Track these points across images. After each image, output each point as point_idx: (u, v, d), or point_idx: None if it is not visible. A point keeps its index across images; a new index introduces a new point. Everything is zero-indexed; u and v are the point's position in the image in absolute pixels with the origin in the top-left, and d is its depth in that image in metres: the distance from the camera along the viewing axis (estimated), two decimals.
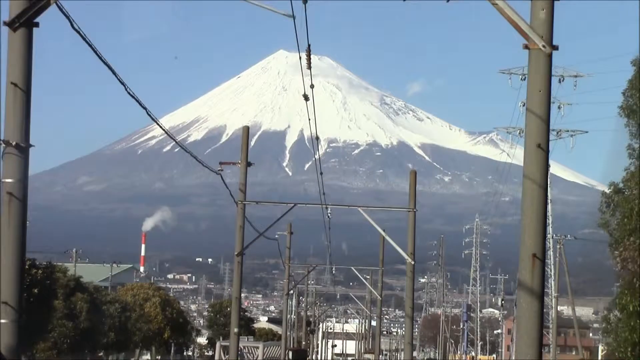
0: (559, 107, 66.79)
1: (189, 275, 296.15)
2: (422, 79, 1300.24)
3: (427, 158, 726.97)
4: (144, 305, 62.25)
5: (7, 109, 11.39)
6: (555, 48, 11.23)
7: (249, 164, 25.68)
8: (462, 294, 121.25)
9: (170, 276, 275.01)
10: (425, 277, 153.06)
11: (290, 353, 59.39)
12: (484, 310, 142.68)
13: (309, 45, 17.61)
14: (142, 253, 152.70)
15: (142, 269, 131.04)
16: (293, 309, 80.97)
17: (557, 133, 66.32)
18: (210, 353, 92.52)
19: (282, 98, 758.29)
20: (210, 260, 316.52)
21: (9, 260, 11.12)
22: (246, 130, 27.17)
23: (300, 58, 18.39)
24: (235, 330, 31.91)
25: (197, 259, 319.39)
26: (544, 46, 10.97)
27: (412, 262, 28.68)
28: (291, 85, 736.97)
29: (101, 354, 59.54)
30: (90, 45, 12.24)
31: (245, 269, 34.12)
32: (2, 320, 11.05)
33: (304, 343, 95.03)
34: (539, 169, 10.73)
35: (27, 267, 38.77)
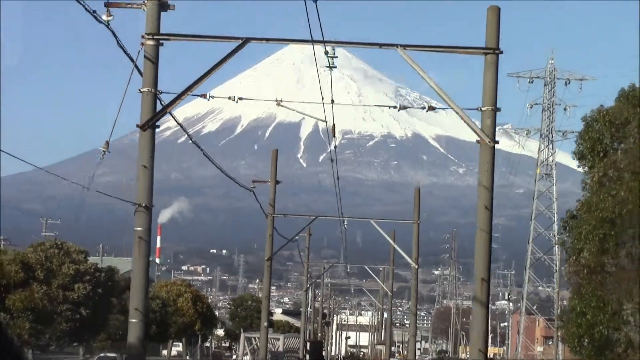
0: (565, 109, 68.44)
1: (203, 266, 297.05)
2: (436, 70, 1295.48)
3: (441, 150, 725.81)
4: (177, 301, 67.29)
5: (139, 183, 17.65)
6: (497, 142, 17.85)
7: (277, 182, 32.22)
8: None
9: (184, 267, 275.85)
10: (439, 269, 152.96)
11: (308, 344, 63.17)
12: (497, 303, 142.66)
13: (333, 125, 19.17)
14: (158, 245, 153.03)
15: (157, 260, 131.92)
16: (310, 302, 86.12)
17: (563, 134, 67.74)
18: (226, 344, 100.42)
19: (297, 90, 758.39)
20: (224, 251, 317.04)
21: (138, 280, 16.69)
22: (275, 154, 32.97)
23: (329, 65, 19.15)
24: (265, 324, 38.18)
25: (211, 251, 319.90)
26: (489, 141, 18.04)
27: (416, 267, 34.86)
28: (306, 77, 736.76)
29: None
30: (117, 41, 13.82)
31: (259, 260, 36.39)
32: (133, 320, 16.44)
33: (319, 335, 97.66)
34: (487, 224, 17.22)
35: (92, 270, 45.51)
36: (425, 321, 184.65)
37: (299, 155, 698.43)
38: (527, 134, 70.76)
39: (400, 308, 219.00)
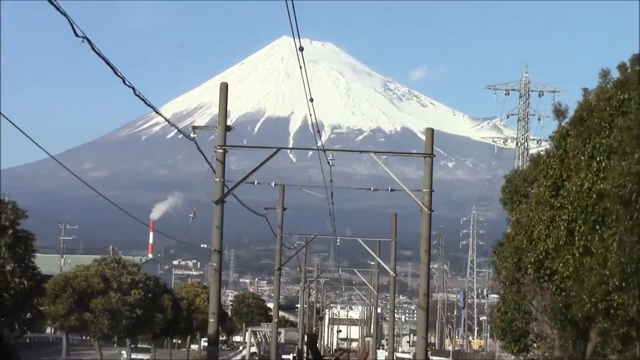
0: (539, 119, 73.03)
1: (194, 261, 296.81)
2: (425, 65, 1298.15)
3: None
4: (195, 300, 76.72)
5: (214, 237, 25.15)
6: (433, 211, 25.87)
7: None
8: (466, 278, 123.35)
9: (175, 262, 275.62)
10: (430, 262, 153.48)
11: (306, 337, 71.45)
12: (491, 296, 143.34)
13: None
14: (150, 241, 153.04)
15: (150, 256, 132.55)
16: (305, 299, 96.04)
17: (538, 142, 70.98)
18: (223, 337, 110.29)
19: (285, 84, 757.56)
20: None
21: (214, 297, 24.71)
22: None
23: (298, 49, 19.35)
24: (275, 320, 46.32)
25: (202, 246, 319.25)
26: (427, 209, 25.75)
27: (394, 276, 39.83)
28: (294, 72, 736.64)
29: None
30: (92, 46, 14.32)
31: (249, 255, 36.72)
32: (212, 320, 24.09)
33: (314, 328, 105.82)
34: (425, 268, 25.36)
35: (143, 279, 56.87)
36: (415, 315, 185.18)
37: (288, 150, 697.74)
38: (504, 142, 76.04)
39: (389, 303, 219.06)
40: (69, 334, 60.22)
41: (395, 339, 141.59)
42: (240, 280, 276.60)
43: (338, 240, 49.53)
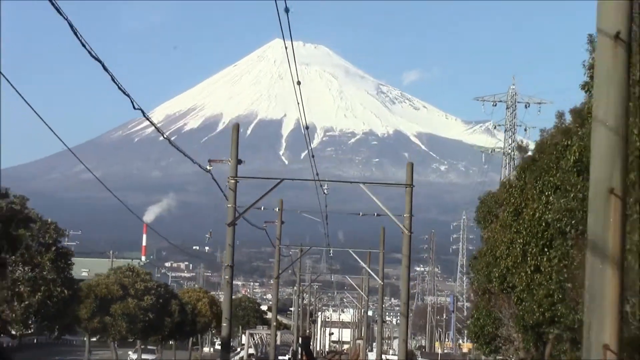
0: (525, 130, 75.04)
1: (186, 263, 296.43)
2: (418, 68, 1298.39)
3: (423, 147, 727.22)
4: (197, 304, 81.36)
5: (226, 254, 28.49)
6: (412, 232, 30.28)
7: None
8: (456, 282, 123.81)
9: (167, 264, 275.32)
10: (421, 266, 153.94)
11: (300, 339, 76.23)
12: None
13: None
14: (144, 243, 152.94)
15: (143, 258, 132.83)
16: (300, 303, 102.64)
17: (522, 150, 72.66)
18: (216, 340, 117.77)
19: (278, 87, 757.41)
20: (207, 248, 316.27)
21: (226, 304, 28.64)
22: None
23: (287, 49, 19.17)
24: (274, 323, 51.09)
25: (194, 247, 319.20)
26: (408, 232, 28.74)
27: (382, 283, 43.84)
28: (287, 74, 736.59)
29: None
30: (84, 45, 14.41)
31: (241, 257, 37.29)
32: (224, 325, 27.41)
33: (307, 331, 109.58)
34: (405, 284, 30.93)
35: (155, 286, 63.27)
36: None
37: (280, 153, 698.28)
38: (491, 152, 78.12)
39: (383, 305, 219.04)
40: (90, 336, 64.52)
41: (386, 341, 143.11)
42: (234, 282, 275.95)
43: (331, 252, 53.46)
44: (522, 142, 34.46)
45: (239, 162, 28.96)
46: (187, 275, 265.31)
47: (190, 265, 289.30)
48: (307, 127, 26.78)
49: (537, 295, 27.18)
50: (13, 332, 43.21)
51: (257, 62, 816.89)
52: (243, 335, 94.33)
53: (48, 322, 43.73)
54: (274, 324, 50.97)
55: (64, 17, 13.49)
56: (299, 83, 22.75)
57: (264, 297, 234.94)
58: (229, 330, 27.34)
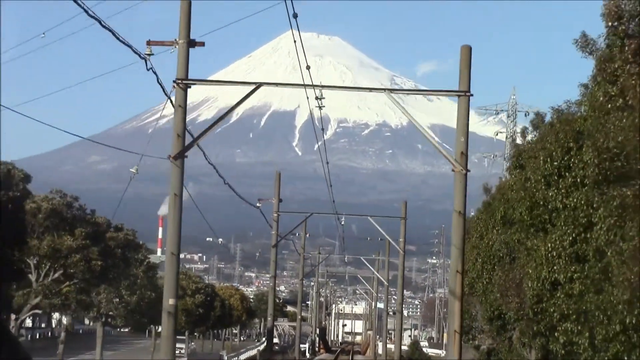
0: (525, 137, 77.84)
1: (200, 255, 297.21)
2: (432, 60, 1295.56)
3: (436, 139, 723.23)
4: (230, 300, 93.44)
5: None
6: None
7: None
8: None
9: (181, 256, 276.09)
10: (434, 258, 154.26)
11: (318, 329, 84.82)
12: None
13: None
14: (159, 236, 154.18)
15: (159, 251, 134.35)
16: (314, 296, 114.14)
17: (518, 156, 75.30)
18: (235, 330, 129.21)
19: (292, 78, 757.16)
20: (220, 240, 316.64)
21: (271, 299, 56.05)
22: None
23: (295, 42, 19.30)
24: (299, 317, 63.18)
25: (207, 239, 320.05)
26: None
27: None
28: (303, 64, 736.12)
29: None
30: (112, 32, 14.64)
31: (254, 249, 37.78)
32: (269, 318, 39.22)
33: (323, 323, 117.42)
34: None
35: (204, 287, 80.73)
36: (419, 309, 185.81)
37: (294, 144, 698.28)
38: (493, 157, 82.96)
39: (394, 297, 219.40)
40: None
41: (395, 332, 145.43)
42: (246, 274, 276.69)
43: (342, 220, 51.83)
44: (486, 184, 42.30)
45: (280, 200, 33.98)
46: (200, 266, 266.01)
47: (204, 256, 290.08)
48: (319, 98, 24.67)
49: (489, 298, 36.24)
50: (116, 323, 58.01)
51: (272, 53, 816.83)
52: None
53: (140, 317, 55.97)
54: (299, 317, 62.73)
55: (95, 17, 13.55)
56: (308, 68, 22.60)
57: (277, 289, 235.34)
58: (272, 323, 34.58)
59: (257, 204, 31.17)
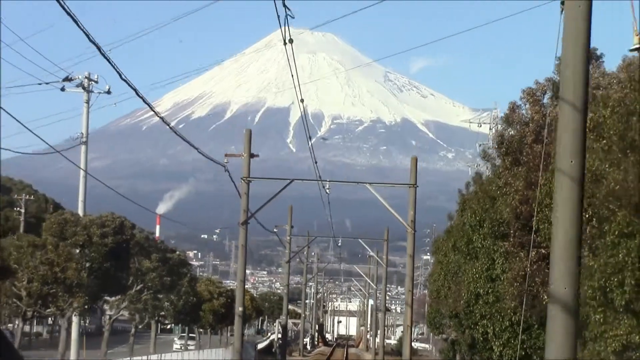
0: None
1: (195, 252, 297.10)
2: (425, 56, 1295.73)
3: (430, 135, 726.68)
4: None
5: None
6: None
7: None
8: None
9: (176, 253, 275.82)
10: (428, 254, 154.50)
11: (317, 326, 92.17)
12: None
13: None
14: (157, 234, 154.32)
15: None
16: (311, 294, 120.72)
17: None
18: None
19: (286, 74, 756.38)
20: (215, 236, 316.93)
21: (285, 301, 67.62)
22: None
23: (284, 40, 19.14)
24: (303, 315, 70.91)
25: (202, 236, 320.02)
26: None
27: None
28: (295, 62, 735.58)
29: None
30: (94, 43, 14.75)
31: (249, 245, 36.85)
32: (283, 317, 63.04)
33: (320, 319, 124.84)
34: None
35: (226, 291, 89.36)
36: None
37: (288, 140, 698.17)
38: (477, 165, 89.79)
39: (388, 293, 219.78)
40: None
41: (390, 328, 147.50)
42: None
43: (339, 242, 62.54)
44: (450, 213, 49.38)
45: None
46: (195, 263, 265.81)
47: (199, 253, 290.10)
48: (302, 100, 25.30)
49: (448, 302, 42.77)
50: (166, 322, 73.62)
51: (265, 50, 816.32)
52: (274, 324, 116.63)
53: (185, 316, 72.78)
54: (304, 316, 73.99)
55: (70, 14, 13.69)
56: (290, 41, 20.41)
57: (272, 285, 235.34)
58: (286, 321, 41.17)
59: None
